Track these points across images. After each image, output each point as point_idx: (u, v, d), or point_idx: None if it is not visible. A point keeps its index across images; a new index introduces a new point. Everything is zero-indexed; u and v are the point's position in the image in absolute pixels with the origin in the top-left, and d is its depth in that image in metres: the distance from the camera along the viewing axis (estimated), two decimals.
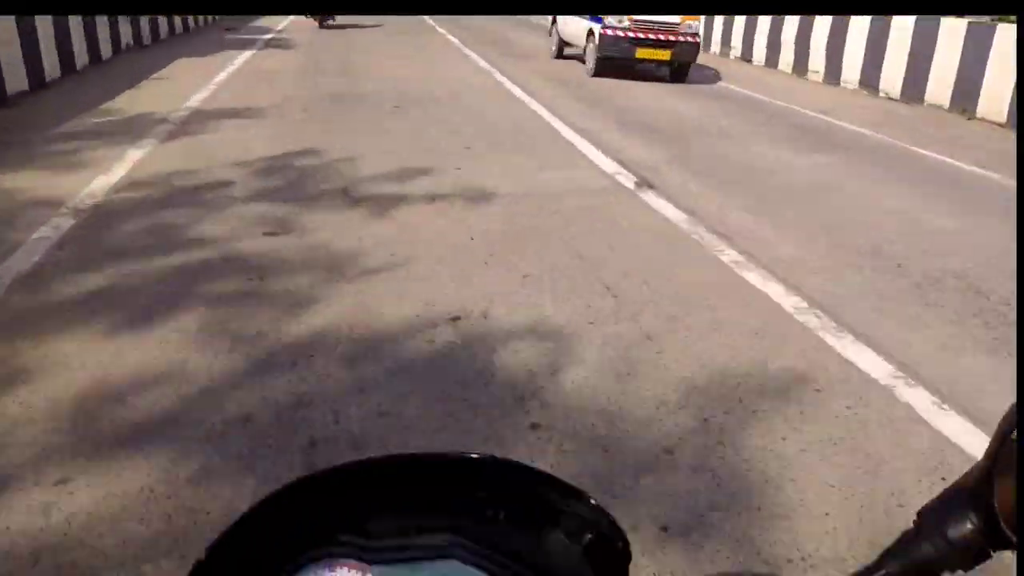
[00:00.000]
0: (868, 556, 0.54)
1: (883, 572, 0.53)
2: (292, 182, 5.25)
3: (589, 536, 0.55)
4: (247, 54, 11.72)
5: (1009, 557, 0.50)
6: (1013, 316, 3.78)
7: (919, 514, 0.53)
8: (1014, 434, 0.48)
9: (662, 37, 10.53)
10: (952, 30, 9.79)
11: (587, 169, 6.08)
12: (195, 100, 7.90)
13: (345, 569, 0.50)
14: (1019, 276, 4.32)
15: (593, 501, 0.55)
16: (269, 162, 5.64)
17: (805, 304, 3.77)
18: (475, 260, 4.04)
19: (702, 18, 12.74)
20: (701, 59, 11.73)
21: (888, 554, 0.53)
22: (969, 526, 0.51)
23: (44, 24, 8.19)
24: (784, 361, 3.17)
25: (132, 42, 11.65)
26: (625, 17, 10.38)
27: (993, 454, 0.49)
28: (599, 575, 0.53)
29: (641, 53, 10.53)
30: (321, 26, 16.45)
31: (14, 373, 2.73)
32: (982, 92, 9.36)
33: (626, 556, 0.54)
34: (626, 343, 3.21)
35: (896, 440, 2.67)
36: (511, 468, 0.56)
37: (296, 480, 0.53)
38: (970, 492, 0.51)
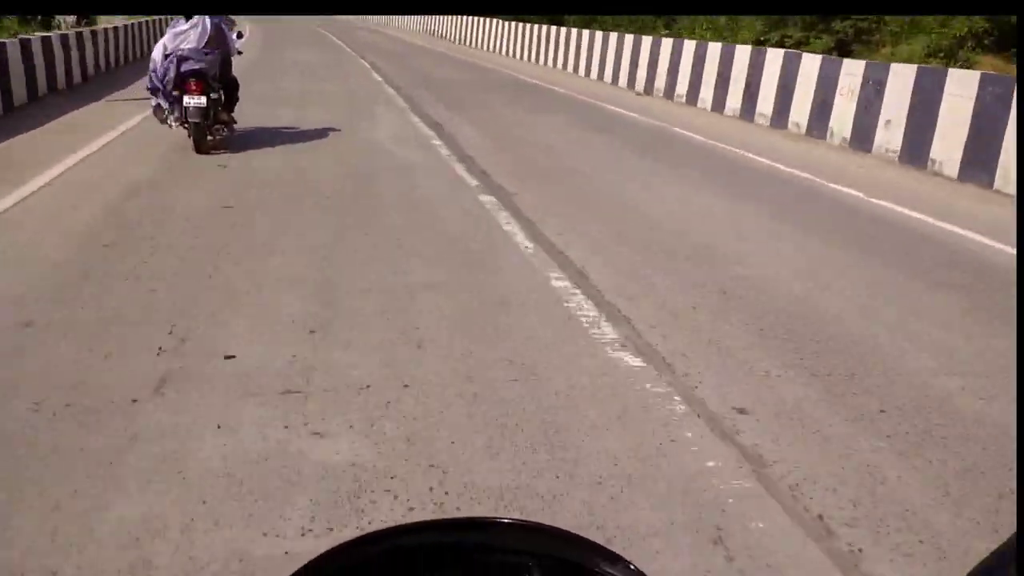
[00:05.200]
0: None
1: None
2: None
3: None
4: None
5: None
6: None
7: None
8: None
9: None
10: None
11: None
12: None
13: None
14: (1019, 277, 4.65)
15: (632, 566, 0.56)
16: None
17: None
18: None
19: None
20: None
21: None
22: None
23: None
24: None
25: None
26: None
27: None
28: None
29: None
30: (201, 150, 7.50)
31: None
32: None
33: None
34: None
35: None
36: (546, 532, 0.60)
37: (330, 550, 0.55)
38: (1013, 556, 0.53)
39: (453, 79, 15.97)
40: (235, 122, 8.26)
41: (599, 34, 17.12)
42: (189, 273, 4.29)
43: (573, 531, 0.58)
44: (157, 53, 7.45)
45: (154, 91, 7.49)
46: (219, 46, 7.71)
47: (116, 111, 9.73)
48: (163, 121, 7.61)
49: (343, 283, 4.27)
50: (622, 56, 15.77)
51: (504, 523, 0.60)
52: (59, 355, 3.24)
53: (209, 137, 7.69)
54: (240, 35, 8.44)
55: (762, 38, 16.22)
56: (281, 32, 29.25)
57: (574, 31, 18.60)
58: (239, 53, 8.38)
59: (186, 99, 7.33)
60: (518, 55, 22.33)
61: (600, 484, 2.47)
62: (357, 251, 4.87)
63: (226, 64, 7.93)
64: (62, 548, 2.11)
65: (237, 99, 8.23)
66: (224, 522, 2.23)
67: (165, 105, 7.50)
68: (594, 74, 17.03)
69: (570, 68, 18.40)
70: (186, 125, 7.47)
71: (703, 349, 3.56)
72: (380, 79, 15.37)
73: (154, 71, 7.43)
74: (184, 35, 7.44)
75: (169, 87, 7.35)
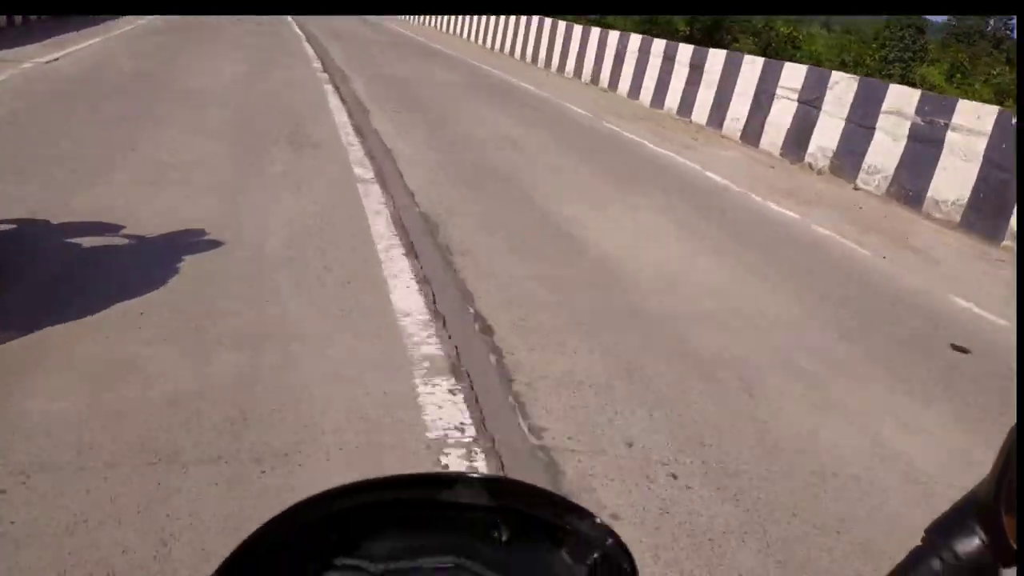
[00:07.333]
0: None
1: None
2: None
3: (594, 556, 0.54)
4: None
5: None
6: None
7: (927, 531, 0.53)
8: None
9: None
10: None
11: None
12: None
13: None
14: (1019, 278, 4.41)
15: (598, 520, 0.55)
16: None
17: None
18: None
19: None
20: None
21: (898, 571, 0.53)
22: (977, 542, 0.51)
23: None
24: None
25: None
26: None
27: (1000, 470, 0.49)
28: None
29: None
30: None
31: None
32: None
33: None
34: None
35: None
36: (513, 487, 0.57)
37: (296, 504, 0.52)
38: (978, 508, 0.51)
39: None
40: None
41: None
42: None
43: (539, 486, 0.55)
44: None
45: None
46: None
47: None
48: None
49: None
50: None
51: (469, 478, 0.56)
52: None
53: None
54: None
55: None
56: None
57: None
58: None
59: None
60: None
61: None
62: None
63: None
64: None
65: None
66: None
67: None
68: None
69: None
70: None
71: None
72: None
73: None
74: None
75: None
